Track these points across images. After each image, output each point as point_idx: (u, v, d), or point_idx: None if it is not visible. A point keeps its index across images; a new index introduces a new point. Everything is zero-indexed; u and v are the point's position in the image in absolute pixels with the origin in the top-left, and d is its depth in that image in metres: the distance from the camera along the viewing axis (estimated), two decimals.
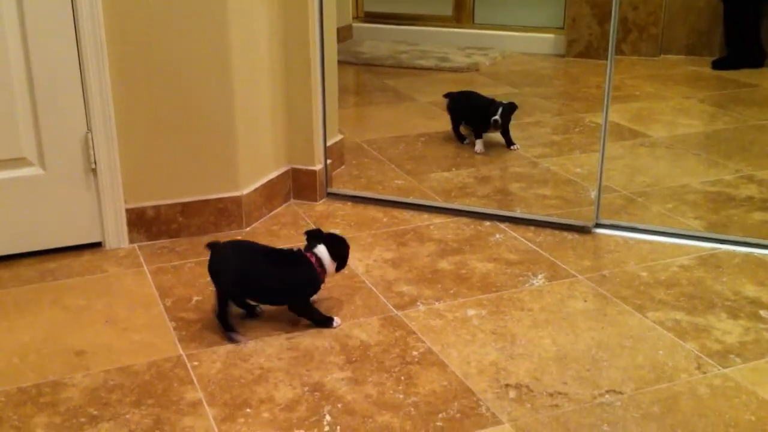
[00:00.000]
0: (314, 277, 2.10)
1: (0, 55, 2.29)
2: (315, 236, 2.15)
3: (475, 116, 3.54)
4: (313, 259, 2.10)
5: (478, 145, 3.50)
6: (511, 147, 3.53)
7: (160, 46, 2.46)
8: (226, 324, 2.07)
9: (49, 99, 2.37)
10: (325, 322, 2.12)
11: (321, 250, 2.11)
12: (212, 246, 2.08)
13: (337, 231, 2.24)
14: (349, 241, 2.18)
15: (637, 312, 2.19)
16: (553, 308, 2.21)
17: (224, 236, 2.64)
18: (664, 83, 4.65)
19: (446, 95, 3.71)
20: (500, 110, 3.43)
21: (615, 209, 2.83)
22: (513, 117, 3.49)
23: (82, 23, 2.34)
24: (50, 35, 2.33)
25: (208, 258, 2.08)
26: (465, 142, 3.61)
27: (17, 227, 2.44)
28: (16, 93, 2.34)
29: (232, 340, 2.05)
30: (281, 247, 2.22)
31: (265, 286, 2.08)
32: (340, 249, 2.15)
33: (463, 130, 3.63)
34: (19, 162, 2.41)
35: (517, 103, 3.51)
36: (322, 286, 2.15)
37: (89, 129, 2.43)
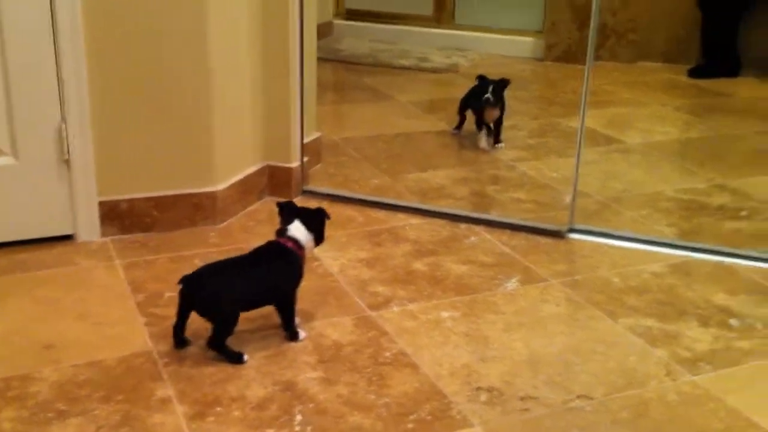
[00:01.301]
0: (298, 263, 2.04)
1: None
2: (289, 209, 2.07)
3: (475, 102, 3.51)
4: (290, 244, 2.03)
5: (482, 141, 3.48)
6: (497, 145, 3.52)
7: (138, 37, 2.44)
8: (231, 354, 1.95)
9: (23, 88, 2.34)
10: (295, 332, 2.05)
11: (296, 230, 2.03)
12: (187, 277, 1.93)
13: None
14: (326, 212, 2.10)
15: (609, 317, 2.21)
16: (526, 312, 2.22)
17: (199, 232, 2.63)
18: (640, 90, 4.69)
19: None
20: (491, 88, 3.42)
21: (589, 214, 2.85)
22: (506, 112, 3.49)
23: (59, 9, 2.31)
24: (26, 22, 2.30)
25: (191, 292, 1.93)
26: (454, 131, 3.65)
27: None
28: None
29: (240, 360, 1.95)
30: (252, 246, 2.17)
31: (256, 291, 1.98)
32: (316, 221, 2.07)
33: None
34: None
35: (509, 78, 3.49)
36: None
37: (63, 119, 2.41)
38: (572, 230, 2.70)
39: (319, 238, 2.09)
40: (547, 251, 2.58)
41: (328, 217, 2.10)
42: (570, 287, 2.36)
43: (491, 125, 3.52)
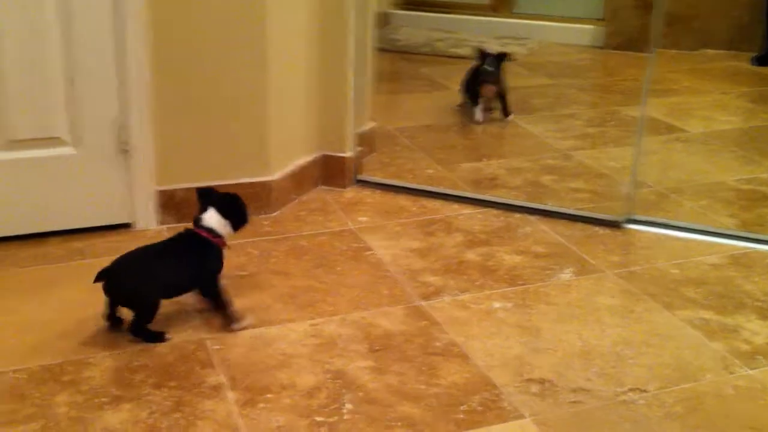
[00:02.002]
0: (214, 252, 2.06)
1: (38, 34, 2.31)
2: (206, 196, 2.09)
3: (474, 76, 3.58)
4: (204, 234, 2.04)
5: (477, 113, 3.57)
6: (507, 117, 3.59)
7: (196, 28, 2.47)
8: (149, 333, 1.98)
9: (84, 79, 2.39)
10: (232, 314, 2.05)
11: (210, 218, 2.05)
12: (105, 272, 1.95)
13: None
14: (242, 199, 2.11)
15: (666, 310, 2.16)
16: (579, 303, 2.18)
17: (253, 220, 2.64)
18: (702, 78, 4.57)
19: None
20: (489, 59, 3.49)
21: (647, 205, 2.79)
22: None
23: (124, 6, 2.34)
24: (90, 16, 2.34)
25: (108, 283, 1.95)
26: (458, 105, 3.75)
27: (49, 206, 2.47)
28: (53, 73, 2.36)
29: (162, 338, 1.99)
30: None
31: (173, 281, 2.00)
32: (232, 207, 2.09)
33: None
34: (53, 141, 2.43)
35: (508, 52, 3.59)
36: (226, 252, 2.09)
37: (123, 110, 2.45)
38: (630, 221, 2.65)
39: (239, 222, 2.10)
40: (604, 242, 2.54)
41: (242, 203, 2.11)
42: (626, 279, 2.31)
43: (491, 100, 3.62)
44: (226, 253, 2.10)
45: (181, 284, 2.03)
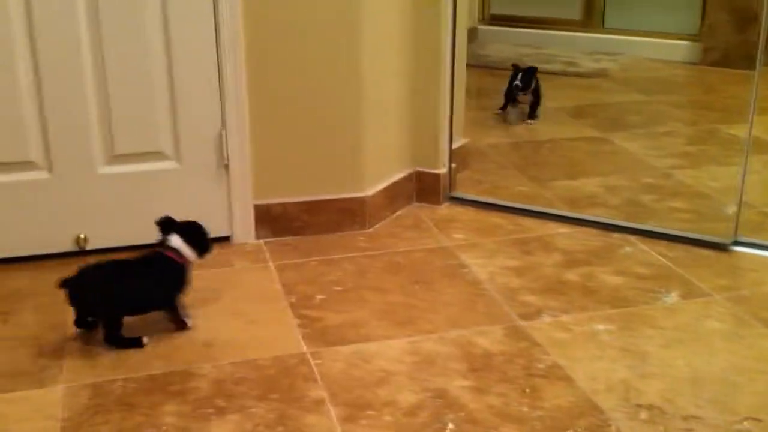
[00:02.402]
0: (179, 271, 2.07)
1: (142, 52, 2.38)
2: (166, 225, 2.11)
3: (510, 86, 3.85)
4: (170, 253, 2.06)
5: (512, 115, 3.86)
6: (528, 121, 3.85)
7: (293, 47, 2.50)
8: (123, 340, 2.01)
9: (187, 96, 2.45)
10: (182, 324, 2.09)
11: (174, 240, 2.08)
12: (67, 281, 1.97)
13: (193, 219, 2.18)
14: (204, 226, 2.15)
15: None
16: (687, 327, 2.11)
17: (348, 236, 2.66)
18: None
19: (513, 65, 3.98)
20: (520, 75, 3.76)
21: (753, 227, 2.69)
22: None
23: (222, 26, 2.40)
24: (191, 34, 2.40)
25: (68, 290, 1.98)
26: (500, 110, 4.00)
27: (152, 219, 2.51)
28: (156, 89, 2.42)
29: (140, 344, 2.02)
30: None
31: (138, 297, 2.03)
32: (195, 237, 2.11)
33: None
34: (157, 155, 2.49)
35: (536, 66, 3.84)
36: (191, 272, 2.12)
37: (224, 125, 2.49)
38: (736, 243, 2.55)
39: (202, 250, 2.13)
40: (710, 264, 2.45)
41: (203, 230, 2.15)
42: (735, 302, 2.23)
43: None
44: (192, 272, 2.13)
45: (141, 303, 2.05)
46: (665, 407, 1.79)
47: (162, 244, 2.10)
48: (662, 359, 1.97)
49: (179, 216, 2.51)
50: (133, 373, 1.91)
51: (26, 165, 2.40)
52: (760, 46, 2.56)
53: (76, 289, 1.98)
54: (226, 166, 2.53)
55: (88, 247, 2.49)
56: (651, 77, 4.87)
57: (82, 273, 1.99)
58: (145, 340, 2.03)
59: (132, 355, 1.99)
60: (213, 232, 2.57)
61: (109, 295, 1.99)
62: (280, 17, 2.46)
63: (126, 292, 2.01)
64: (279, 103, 2.54)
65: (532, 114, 3.89)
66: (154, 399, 1.81)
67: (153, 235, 2.50)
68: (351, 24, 2.52)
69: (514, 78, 3.84)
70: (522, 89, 3.80)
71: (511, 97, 3.94)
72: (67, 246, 2.49)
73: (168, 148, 2.49)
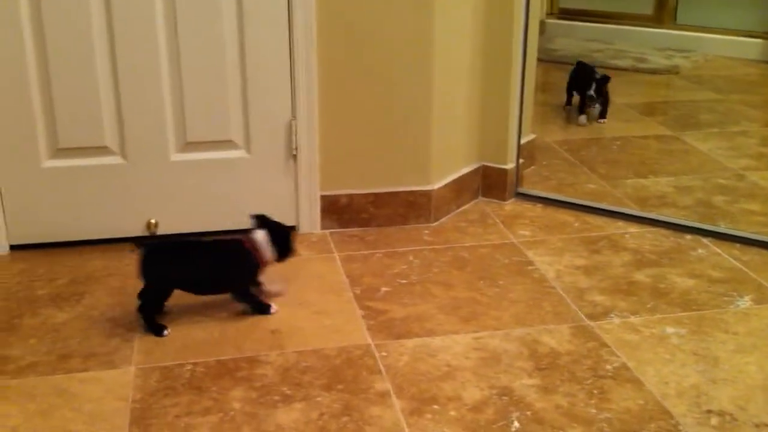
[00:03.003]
0: (250, 261, 2.07)
1: (217, 41, 2.40)
2: (260, 222, 2.11)
3: (582, 88, 3.79)
4: (248, 245, 2.06)
5: (582, 118, 3.78)
6: (599, 120, 3.80)
7: (365, 40, 2.50)
8: (151, 319, 2.05)
9: (258, 86, 2.47)
10: (263, 309, 2.12)
11: (257, 236, 2.08)
12: (144, 244, 2.04)
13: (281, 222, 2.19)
14: (292, 232, 2.15)
15: None
16: (760, 333, 2.05)
17: (413, 229, 2.66)
18: None
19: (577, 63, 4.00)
20: (594, 85, 3.68)
21: None
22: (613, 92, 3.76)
23: (296, 14, 2.41)
24: (265, 24, 2.42)
25: (140, 257, 2.02)
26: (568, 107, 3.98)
27: (221, 206, 2.56)
28: (228, 78, 2.45)
29: (160, 333, 2.04)
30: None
31: (196, 277, 2.05)
32: (279, 237, 2.10)
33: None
34: (227, 144, 2.52)
35: (609, 76, 3.74)
36: (266, 269, 2.12)
37: (294, 116, 2.51)
38: None
39: (283, 253, 2.12)
40: None
41: (293, 237, 2.14)
42: None
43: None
44: (265, 270, 2.14)
45: (203, 282, 2.07)
46: (737, 414, 1.74)
47: (245, 232, 2.12)
48: (734, 365, 1.92)
49: (248, 204, 2.56)
50: (202, 357, 1.94)
51: (102, 150, 2.45)
52: None
53: (144, 250, 2.03)
54: (295, 157, 2.55)
55: (159, 232, 2.54)
56: (724, 75, 4.75)
57: (157, 243, 2.11)
58: (165, 332, 2.05)
59: (202, 339, 2.02)
60: (280, 221, 2.61)
61: (167, 268, 2.04)
62: (353, 11, 2.47)
63: (182, 269, 2.05)
64: (348, 95, 2.55)
65: (603, 113, 3.82)
66: (223, 384, 1.84)
67: (221, 222, 2.55)
68: (423, 19, 2.51)
69: (578, 76, 3.83)
70: (596, 99, 3.75)
71: (579, 97, 3.87)
72: (139, 230, 2.54)
73: (238, 137, 2.52)
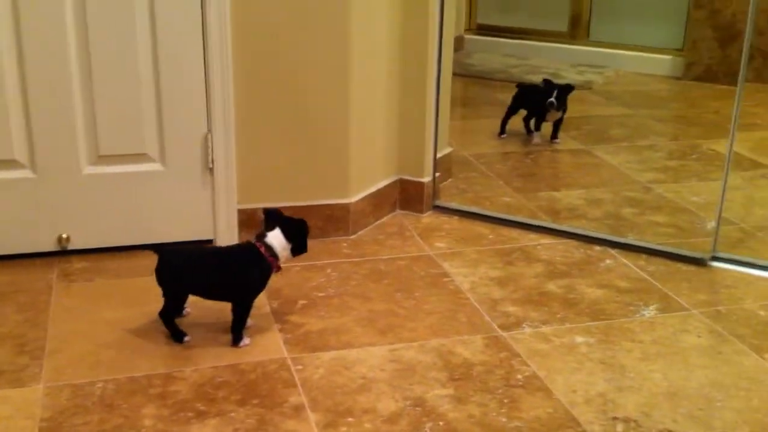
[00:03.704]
0: (265, 269, 2.06)
1: (130, 54, 2.37)
2: (273, 217, 2.09)
3: (537, 103, 3.69)
4: (263, 249, 2.05)
5: (536, 138, 3.72)
6: (554, 140, 3.74)
7: (282, 52, 2.51)
8: (174, 327, 2.06)
9: (173, 98, 2.45)
10: (237, 339, 2.06)
11: (273, 237, 2.05)
12: (160, 250, 2.05)
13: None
14: (307, 225, 2.11)
15: (754, 352, 2.09)
16: (665, 342, 2.13)
17: (331, 242, 2.67)
18: None
19: (518, 85, 3.88)
20: (555, 92, 3.59)
21: (732, 243, 2.72)
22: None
23: (210, 28, 2.40)
24: (179, 37, 2.40)
25: (156, 262, 2.03)
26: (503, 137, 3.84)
27: (136, 220, 2.52)
28: (142, 91, 2.42)
29: (180, 340, 2.05)
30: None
31: (216, 284, 2.04)
32: (295, 230, 2.09)
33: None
34: (141, 157, 2.49)
35: (573, 85, 3.70)
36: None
37: (209, 129, 2.49)
38: (715, 258, 2.59)
39: (298, 249, 2.10)
40: (688, 279, 2.48)
41: (308, 230, 2.12)
42: (712, 318, 2.25)
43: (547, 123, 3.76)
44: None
45: (215, 287, 2.05)
46: (642, 421, 1.81)
47: (259, 237, 2.08)
48: (640, 372, 1.99)
49: (164, 218, 2.53)
50: (114, 375, 1.91)
51: (10, 164, 2.39)
52: (743, 63, 2.60)
53: (165, 259, 2.03)
54: (211, 170, 2.54)
55: (70, 247, 2.49)
56: (635, 91, 4.92)
57: (176, 249, 2.16)
58: (186, 338, 2.05)
59: (114, 355, 1.98)
60: (196, 235, 2.59)
61: (173, 270, 2.03)
62: (269, 23, 2.47)
63: (198, 273, 2.04)
64: (266, 108, 2.55)
65: (556, 134, 3.75)
66: (134, 401, 1.81)
67: (135, 237, 2.51)
68: (339, 31, 2.53)
69: (548, 94, 3.64)
70: (557, 107, 3.64)
71: (534, 117, 3.76)
72: (50, 246, 2.48)
73: (153, 151, 2.49)
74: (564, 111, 3.70)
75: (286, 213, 2.61)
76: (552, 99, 3.59)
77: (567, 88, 3.66)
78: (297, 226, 2.10)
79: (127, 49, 2.37)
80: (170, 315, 2.07)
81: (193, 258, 2.09)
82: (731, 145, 2.58)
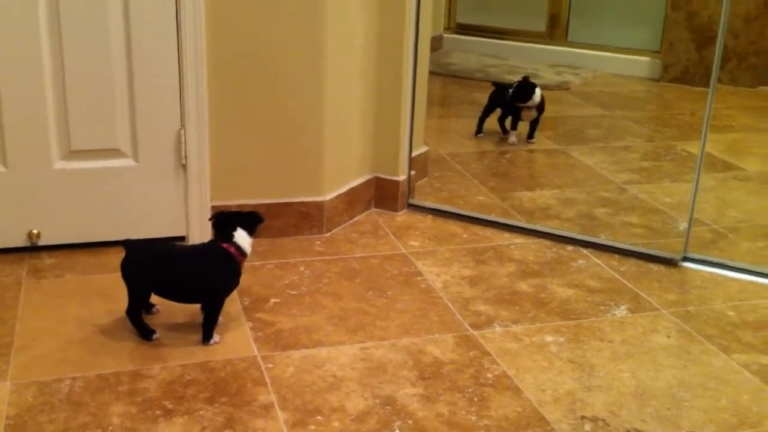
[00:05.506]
0: (236, 269, 2.06)
1: (103, 49, 2.36)
2: (227, 220, 2.08)
3: (510, 104, 3.70)
4: (232, 249, 2.05)
5: (513, 137, 3.73)
6: (530, 140, 3.76)
7: (257, 49, 2.50)
8: (141, 324, 2.05)
9: (146, 94, 2.43)
10: (208, 336, 2.05)
11: (240, 237, 2.06)
12: (127, 244, 2.04)
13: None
14: (261, 215, 2.13)
15: (722, 353, 2.11)
16: (634, 341, 2.15)
17: (305, 240, 2.67)
18: (761, 115, 4.50)
19: (494, 83, 3.88)
20: (538, 90, 3.63)
21: (704, 243, 2.75)
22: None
23: (184, 22, 2.38)
24: (152, 32, 2.38)
25: (123, 256, 2.03)
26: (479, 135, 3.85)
27: (107, 216, 2.50)
28: (116, 86, 2.40)
29: (149, 338, 2.04)
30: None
31: (185, 286, 2.03)
32: (254, 224, 2.11)
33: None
34: (113, 153, 2.47)
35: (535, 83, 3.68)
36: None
37: (183, 125, 2.48)
38: (686, 259, 2.61)
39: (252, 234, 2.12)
40: (659, 279, 2.50)
41: (262, 220, 2.14)
42: (682, 318, 2.27)
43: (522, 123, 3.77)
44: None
45: (184, 289, 2.04)
46: (610, 420, 1.82)
47: (227, 238, 2.06)
48: (609, 372, 2.00)
49: (136, 214, 2.51)
50: (81, 372, 1.89)
51: None
52: (715, 65, 2.62)
53: (130, 253, 2.02)
54: (184, 166, 2.52)
55: (41, 243, 2.47)
56: (611, 92, 4.95)
57: (141, 242, 2.08)
58: (155, 336, 2.04)
59: (82, 353, 1.97)
60: (168, 232, 2.58)
61: (137, 267, 2.01)
62: (244, 18, 2.46)
63: (164, 273, 2.02)
64: (240, 105, 2.54)
65: (532, 134, 3.77)
66: (102, 399, 1.80)
67: (104, 233, 2.49)
68: (314, 28, 2.52)
69: (497, 96, 3.71)
70: (534, 108, 3.67)
71: (513, 114, 3.76)
72: (20, 241, 2.45)
73: (125, 146, 2.47)
74: (541, 111, 3.71)
75: (260, 210, 2.61)
76: (510, 91, 3.67)
77: (531, 86, 3.70)
78: (253, 220, 2.11)
79: (99, 44, 2.35)
80: (137, 312, 2.05)
81: (161, 255, 2.06)
82: (703, 146, 2.60)
